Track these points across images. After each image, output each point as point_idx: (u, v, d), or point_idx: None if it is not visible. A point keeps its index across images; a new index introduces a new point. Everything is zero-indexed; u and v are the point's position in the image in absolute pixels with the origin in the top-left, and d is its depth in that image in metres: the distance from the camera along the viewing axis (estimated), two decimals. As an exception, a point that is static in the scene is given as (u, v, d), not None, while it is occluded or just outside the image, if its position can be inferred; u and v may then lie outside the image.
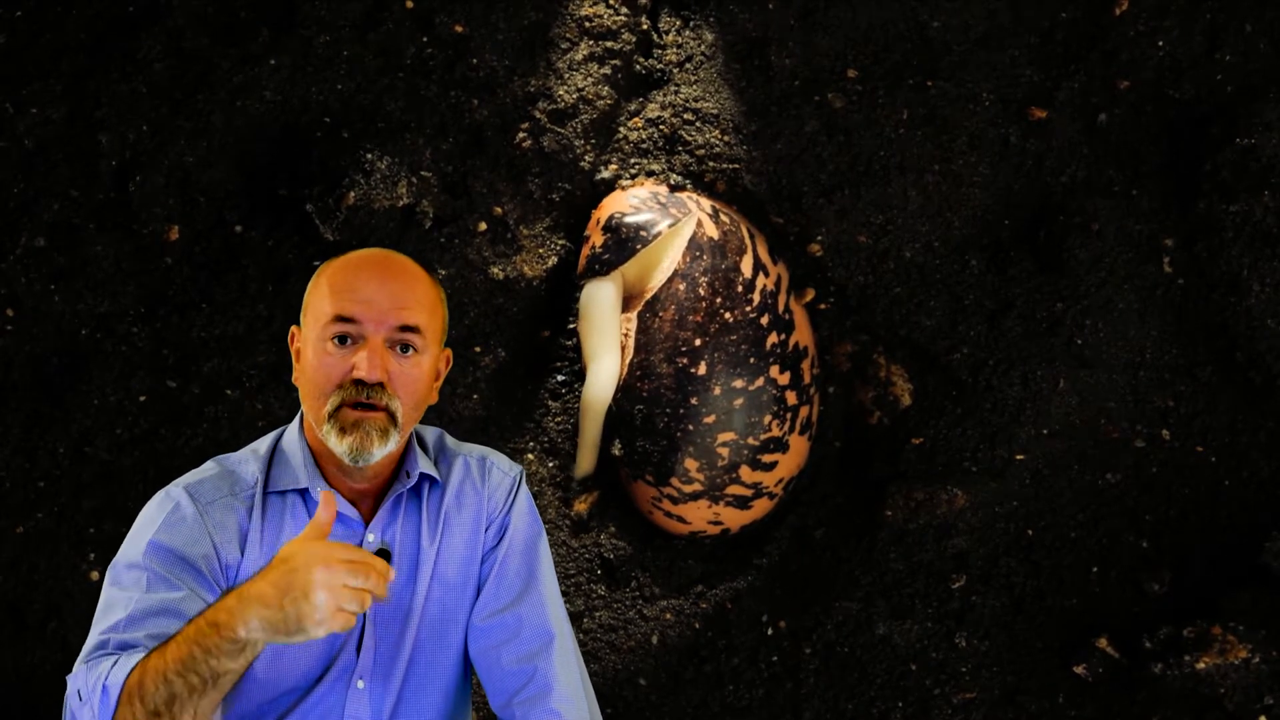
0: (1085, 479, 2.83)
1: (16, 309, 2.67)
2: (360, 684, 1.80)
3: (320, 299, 1.75)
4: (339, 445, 1.72)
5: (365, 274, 1.75)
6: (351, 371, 1.71)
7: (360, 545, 1.80)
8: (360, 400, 1.71)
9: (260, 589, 1.48)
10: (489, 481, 1.91)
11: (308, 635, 1.47)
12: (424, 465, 1.85)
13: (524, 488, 1.94)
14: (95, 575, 2.61)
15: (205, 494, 1.76)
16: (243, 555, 1.76)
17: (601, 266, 2.70)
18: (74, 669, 1.65)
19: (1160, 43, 2.91)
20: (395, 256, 1.81)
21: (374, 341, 1.72)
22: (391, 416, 1.73)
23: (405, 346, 1.74)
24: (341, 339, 1.72)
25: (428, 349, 1.77)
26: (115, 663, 1.58)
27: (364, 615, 1.79)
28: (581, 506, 2.76)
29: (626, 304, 2.73)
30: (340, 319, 1.72)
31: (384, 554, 1.81)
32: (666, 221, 2.70)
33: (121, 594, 1.68)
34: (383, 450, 1.73)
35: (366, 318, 1.72)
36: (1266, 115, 2.77)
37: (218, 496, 1.77)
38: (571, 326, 2.81)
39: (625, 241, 2.68)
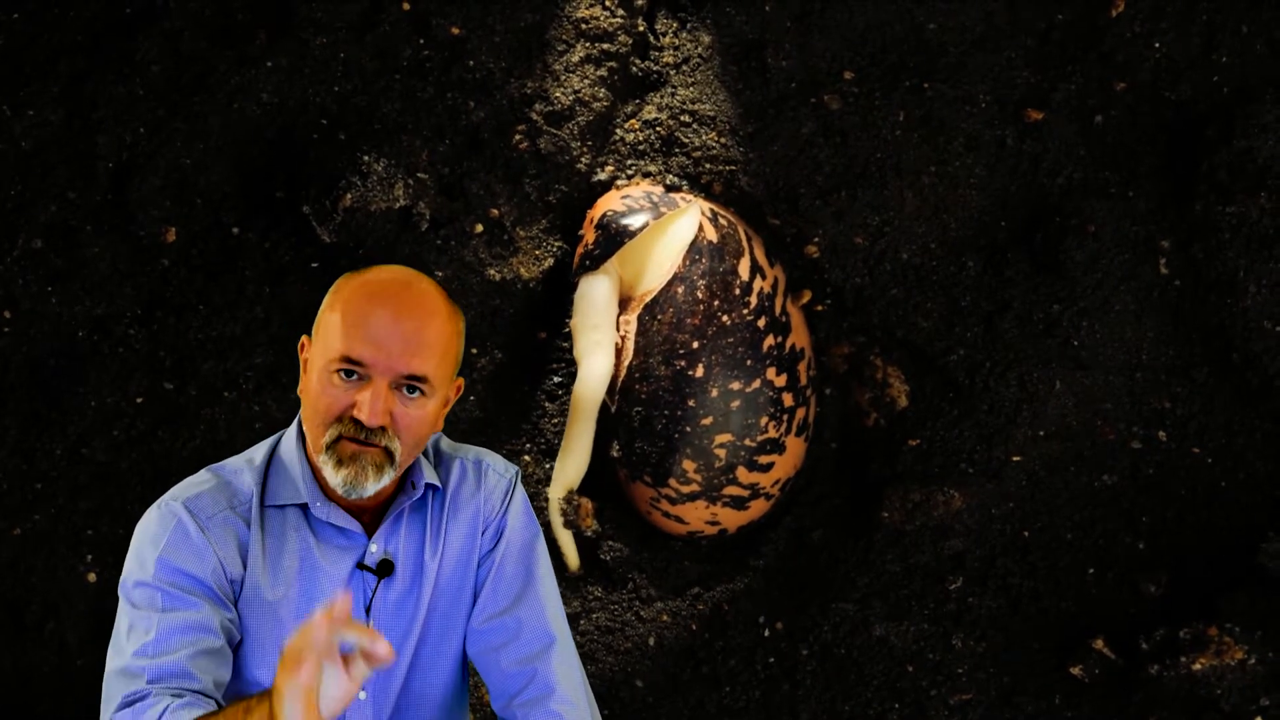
0: (1082, 480, 2.83)
1: (14, 310, 2.67)
2: (363, 695, 1.80)
3: (332, 328, 1.71)
4: (334, 477, 1.70)
5: (379, 309, 1.70)
6: (353, 408, 1.69)
7: (363, 557, 1.80)
8: (358, 437, 1.69)
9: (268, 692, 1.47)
10: (485, 484, 1.90)
11: None
12: (429, 475, 1.84)
13: (520, 489, 1.94)
14: (92, 577, 2.61)
15: (205, 509, 1.74)
16: (245, 569, 1.75)
17: (593, 263, 2.70)
18: (112, 712, 1.62)
19: (1156, 44, 2.91)
20: (414, 288, 1.74)
21: (378, 385, 1.68)
22: (389, 454, 1.71)
23: (411, 389, 1.71)
24: (348, 374, 1.70)
25: (435, 392, 1.73)
26: (161, 714, 1.56)
27: (367, 626, 1.79)
28: (589, 522, 2.74)
29: (625, 305, 2.73)
30: (347, 359, 1.68)
31: (386, 565, 1.81)
32: (654, 217, 2.70)
33: (140, 614, 1.67)
34: (377, 485, 1.71)
35: (375, 361, 1.68)
36: (1263, 117, 2.77)
37: (217, 511, 1.75)
38: (567, 330, 2.81)
39: (615, 237, 2.68)
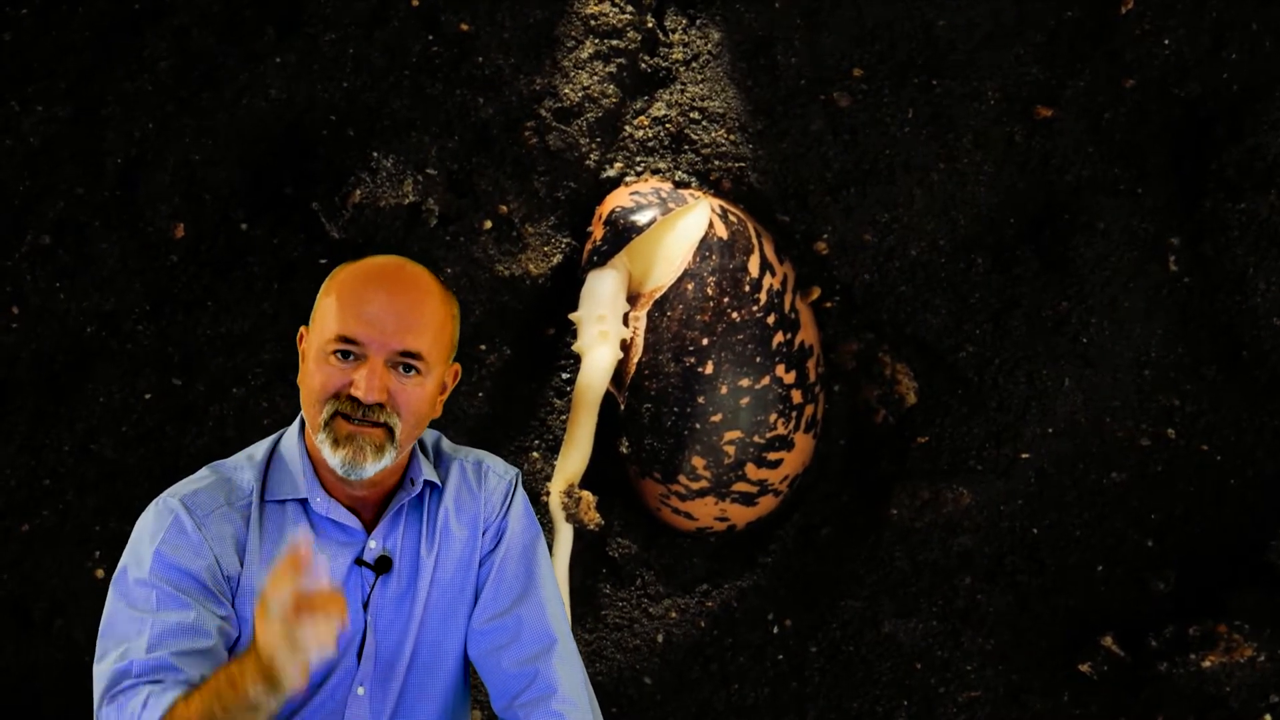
0: (1090, 478, 2.83)
1: (22, 307, 2.67)
2: (360, 690, 1.80)
3: (327, 311, 1.73)
4: (332, 457, 1.70)
5: (373, 290, 1.72)
6: (350, 386, 1.70)
7: (361, 553, 1.80)
8: (356, 415, 1.70)
9: (252, 648, 1.50)
10: (485, 485, 1.90)
11: (298, 687, 1.48)
12: (428, 472, 1.84)
13: (520, 490, 1.94)
14: (100, 573, 2.61)
15: (202, 505, 1.74)
16: (242, 566, 1.75)
17: (600, 259, 2.70)
18: (100, 704, 1.64)
19: (1166, 41, 2.91)
20: (407, 270, 1.78)
21: (374, 362, 1.69)
22: (389, 432, 1.71)
23: (407, 368, 1.72)
24: (344, 354, 1.71)
25: (430, 371, 1.74)
26: (145, 703, 1.58)
27: (365, 622, 1.80)
28: (591, 515, 2.74)
29: (635, 301, 2.73)
30: (343, 339, 1.70)
31: (385, 561, 1.81)
32: (663, 213, 2.70)
33: (134, 614, 1.67)
34: (376, 466, 1.71)
35: (369, 339, 1.69)
36: (1272, 114, 2.78)
37: (214, 507, 1.75)
38: (574, 326, 2.80)
39: (623, 233, 2.69)
